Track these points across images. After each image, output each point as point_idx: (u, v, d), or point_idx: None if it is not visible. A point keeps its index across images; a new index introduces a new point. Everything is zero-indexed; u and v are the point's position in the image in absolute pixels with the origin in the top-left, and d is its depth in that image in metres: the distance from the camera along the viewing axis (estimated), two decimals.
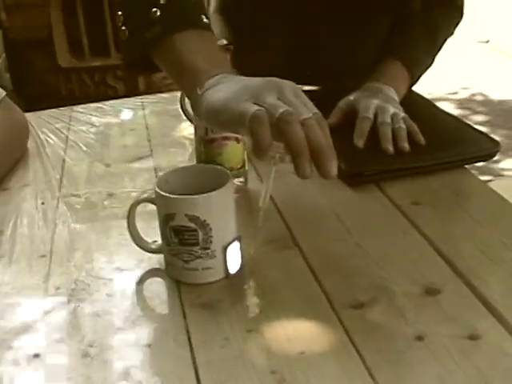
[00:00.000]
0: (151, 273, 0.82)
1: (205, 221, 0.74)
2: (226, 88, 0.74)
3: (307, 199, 0.96)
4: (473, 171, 1.03)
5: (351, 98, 1.14)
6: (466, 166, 1.03)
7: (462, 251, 0.81)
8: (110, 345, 0.70)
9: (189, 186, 0.79)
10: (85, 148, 1.22)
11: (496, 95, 3.80)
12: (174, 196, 0.75)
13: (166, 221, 0.76)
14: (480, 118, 3.49)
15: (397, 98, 1.14)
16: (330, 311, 0.72)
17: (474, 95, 3.84)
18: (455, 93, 3.83)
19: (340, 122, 1.11)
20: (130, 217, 0.81)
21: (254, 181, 1.00)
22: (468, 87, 3.88)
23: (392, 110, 1.10)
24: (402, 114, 1.10)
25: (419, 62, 1.24)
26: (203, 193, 0.75)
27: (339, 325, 0.70)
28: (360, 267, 0.79)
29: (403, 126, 1.07)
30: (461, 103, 3.71)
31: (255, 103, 0.70)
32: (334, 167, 0.68)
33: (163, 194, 0.75)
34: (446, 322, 0.69)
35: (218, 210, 0.76)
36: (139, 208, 0.81)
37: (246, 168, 0.99)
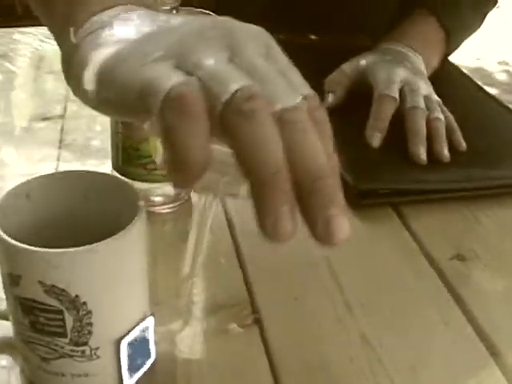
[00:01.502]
0: None
1: (77, 297, 0.38)
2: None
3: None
4: None
5: (362, 62, 0.79)
6: None
7: None
8: None
9: (66, 218, 0.42)
10: None
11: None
12: (17, 244, 0.37)
13: (10, 284, 0.39)
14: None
15: (425, 71, 0.78)
16: None
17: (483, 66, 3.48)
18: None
19: (343, 101, 0.74)
20: None
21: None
22: (480, 57, 3.53)
23: (424, 88, 0.73)
24: (436, 98, 0.73)
25: (462, 22, 0.86)
26: (85, 236, 0.38)
27: None
28: None
29: (441, 116, 0.71)
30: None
31: (179, 66, 0.32)
32: (342, 220, 0.31)
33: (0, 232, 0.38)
34: None
35: (105, 278, 0.38)
36: None
37: None
